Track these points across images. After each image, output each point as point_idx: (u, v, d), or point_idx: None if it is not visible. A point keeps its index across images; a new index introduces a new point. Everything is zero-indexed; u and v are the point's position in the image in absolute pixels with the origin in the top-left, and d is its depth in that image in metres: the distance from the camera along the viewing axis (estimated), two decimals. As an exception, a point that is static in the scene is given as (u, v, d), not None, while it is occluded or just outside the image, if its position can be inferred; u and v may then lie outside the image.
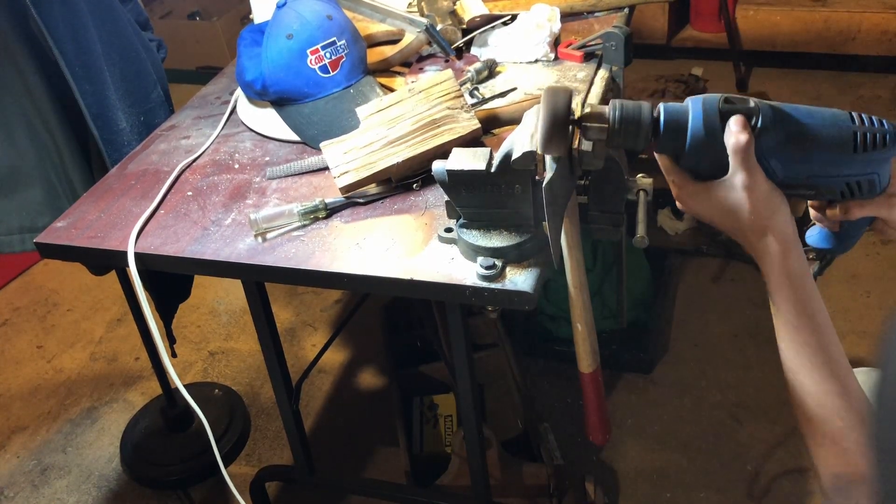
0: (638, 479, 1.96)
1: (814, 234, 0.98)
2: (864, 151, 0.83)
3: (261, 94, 1.52)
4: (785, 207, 0.84)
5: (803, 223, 0.97)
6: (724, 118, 0.82)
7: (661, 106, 0.84)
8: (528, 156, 1.04)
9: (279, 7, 1.48)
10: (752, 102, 0.82)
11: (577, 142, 0.95)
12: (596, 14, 1.81)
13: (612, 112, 0.84)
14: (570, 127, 0.87)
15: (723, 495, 1.89)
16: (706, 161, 0.84)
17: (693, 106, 0.83)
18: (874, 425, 0.60)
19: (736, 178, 0.82)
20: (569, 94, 0.86)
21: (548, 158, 0.96)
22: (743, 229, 0.85)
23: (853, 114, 0.83)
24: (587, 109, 0.86)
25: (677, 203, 0.89)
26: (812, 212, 0.95)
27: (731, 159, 0.82)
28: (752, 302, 2.39)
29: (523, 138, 1.07)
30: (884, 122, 0.83)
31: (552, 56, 1.66)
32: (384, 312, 2.31)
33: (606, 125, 0.85)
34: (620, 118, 0.84)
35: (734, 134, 0.81)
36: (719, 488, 1.91)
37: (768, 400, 2.10)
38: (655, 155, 0.88)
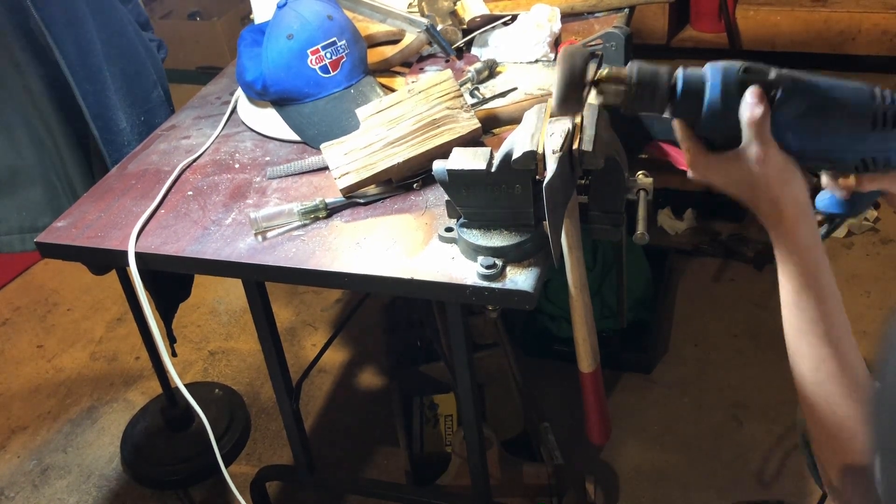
0: (638, 479, 1.96)
1: (824, 199, 0.98)
2: (883, 129, 0.82)
3: (261, 94, 1.52)
4: (798, 178, 0.84)
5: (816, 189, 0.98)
6: (743, 88, 0.81)
7: (679, 71, 0.84)
8: (529, 155, 1.05)
9: (279, 7, 1.48)
10: (772, 74, 0.81)
11: (576, 142, 0.95)
12: (596, 14, 1.82)
13: (629, 73, 0.84)
14: (585, 90, 0.87)
15: (723, 495, 1.89)
16: (722, 130, 0.83)
17: (712, 75, 0.82)
18: (875, 424, 0.60)
19: (750, 150, 0.82)
20: (587, 55, 0.85)
21: (548, 158, 0.96)
22: (755, 199, 0.85)
23: (875, 90, 0.82)
24: (606, 70, 0.85)
25: (689, 171, 0.88)
26: (824, 178, 0.95)
27: (744, 131, 0.81)
28: (752, 302, 2.39)
29: (524, 138, 1.07)
30: None
31: (552, 56, 1.66)
32: (384, 312, 2.31)
33: (624, 87, 0.84)
34: (639, 80, 0.83)
35: (749, 106, 0.80)
36: (719, 488, 1.91)
37: (768, 400, 2.10)
38: (673, 121, 0.87)
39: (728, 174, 0.85)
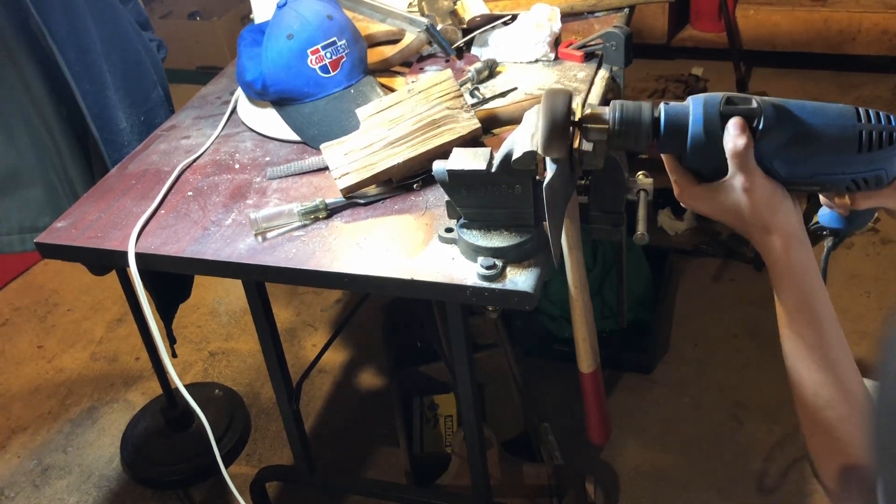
0: (638, 479, 1.96)
1: (826, 215, 0.98)
2: (870, 151, 0.82)
3: (261, 94, 1.52)
4: (787, 203, 0.84)
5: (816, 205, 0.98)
6: (725, 120, 0.81)
7: (661, 107, 0.84)
8: (529, 156, 1.04)
9: (279, 7, 1.48)
10: (754, 103, 0.81)
11: (577, 142, 0.95)
12: (596, 14, 1.82)
13: (612, 113, 0.84)
14: (571, 128, 0.87)
15: (723, 495, 1.89)
16: (708, 162, 0.84)
17: (694, 107, 0.82)
18: (874, 425, 0.60)
19: (735, 180, 0.82)
20: (568, 96, 0.86)
21: (548, 158, 0.96)
22: (746, 227, 0.86)
23: (860, 110, 0.82)
24: (587, 111, 0.86)
25: (680, 202, 0.89)
26: (821, 198, 0.95)
27: (729, 162, 0.82)
28: (752, 302, 2.39)
29: (524, 138, 1.07)
30: (891, 118, 0.82)
31: (552, 56, 1.66)
32: (384, 312, 2.31)
33: (607, 126, 0.85)
34: (621, 119, 0.84)
35: (732, 138, 0.80)
36: (719, 488, 1.91)
37: (768, 400, 2.10)
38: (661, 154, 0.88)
39: (717, 204, 0.85)
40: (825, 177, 0.85)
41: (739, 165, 0.81)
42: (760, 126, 0.81)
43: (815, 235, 0.98)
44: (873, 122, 0.82)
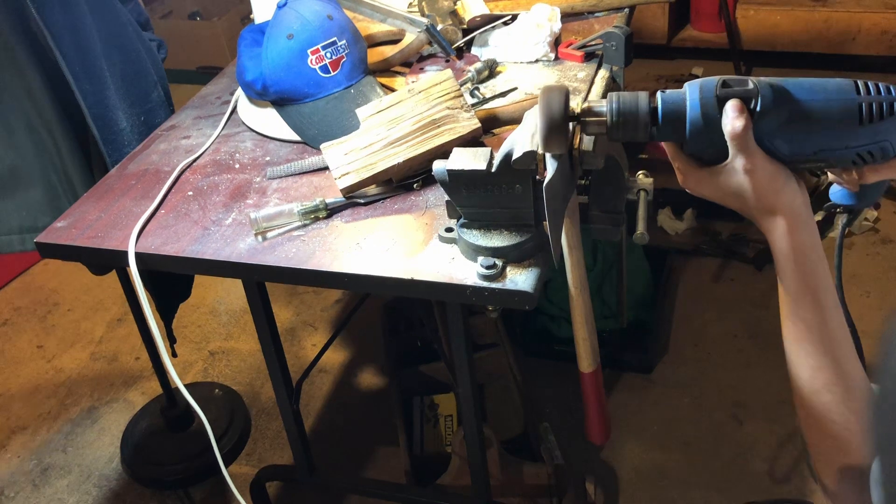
0: (638, 479, 1.96)
1: (837, 192, 0.97)
2: (871, 123, 0.81)
3: (261, 94, 1.52)
4: (791, 183, 0.84)
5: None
6: (722, 103, 0.82)
7: (658, 95, 0.84)
8: (529, 155, 1.05)
9: (279, 7, 1.48)
10: (750, 84, 0.81)
11: (577, 141, 0.95)
12: (596, 14, 1.82)
13: (609, 105, 0.84)
14: (570, 124, 0.87)
15: (723, 495, 1.89)
16: (708, 147, 0.84)
17: (690, 93, 0.82)
18: (875, 426, 0.60)
19: (736, 162, 0.82)
20: (564, 92, 0.86)
21: (548, 158, 0.96)
22: (750, 209, 0.85)
23: (858, 83, 0.82)
24: (585, 105, 0.86)
25: (685, 188, 0.89)
26: (830, 175, 0.94)
27: (729, 145, 0.82)
28: (752, 302, 2.39)
29: (524, 138, 1.07)
30: (891, 88, 0.82)
31: (552, 56, 1.66)
32: (384, 312, 2.31)
33: (604, 119, 0.85)
34: (618, 111, 0.84)
35: (730, 120, 0.81)
36: (719, 488, 1.91)
37: (768, 400, 2.10)
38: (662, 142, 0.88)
39: (720, 187, 0.85)
40: (829, 152, 0.84)
41: (739, 147, 0.81)
42: (758, 107, 0.81)
43: (830, 213, 0.97)
44: (873, 93, 0.81)
